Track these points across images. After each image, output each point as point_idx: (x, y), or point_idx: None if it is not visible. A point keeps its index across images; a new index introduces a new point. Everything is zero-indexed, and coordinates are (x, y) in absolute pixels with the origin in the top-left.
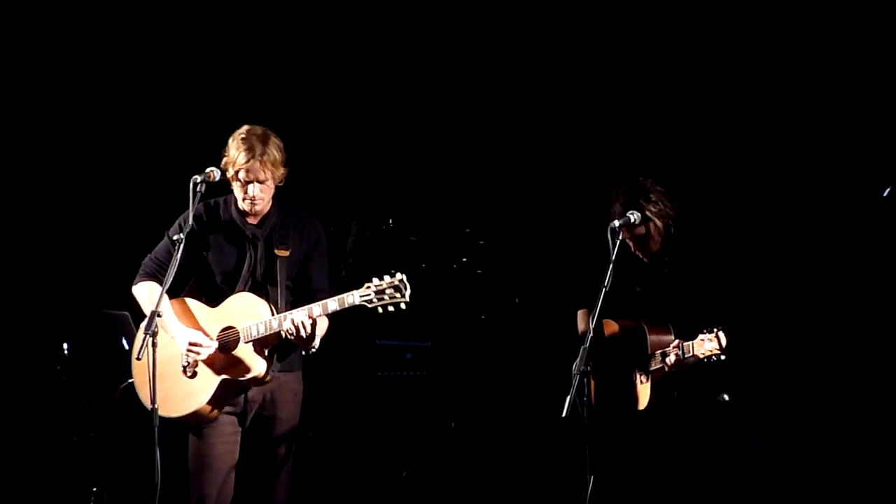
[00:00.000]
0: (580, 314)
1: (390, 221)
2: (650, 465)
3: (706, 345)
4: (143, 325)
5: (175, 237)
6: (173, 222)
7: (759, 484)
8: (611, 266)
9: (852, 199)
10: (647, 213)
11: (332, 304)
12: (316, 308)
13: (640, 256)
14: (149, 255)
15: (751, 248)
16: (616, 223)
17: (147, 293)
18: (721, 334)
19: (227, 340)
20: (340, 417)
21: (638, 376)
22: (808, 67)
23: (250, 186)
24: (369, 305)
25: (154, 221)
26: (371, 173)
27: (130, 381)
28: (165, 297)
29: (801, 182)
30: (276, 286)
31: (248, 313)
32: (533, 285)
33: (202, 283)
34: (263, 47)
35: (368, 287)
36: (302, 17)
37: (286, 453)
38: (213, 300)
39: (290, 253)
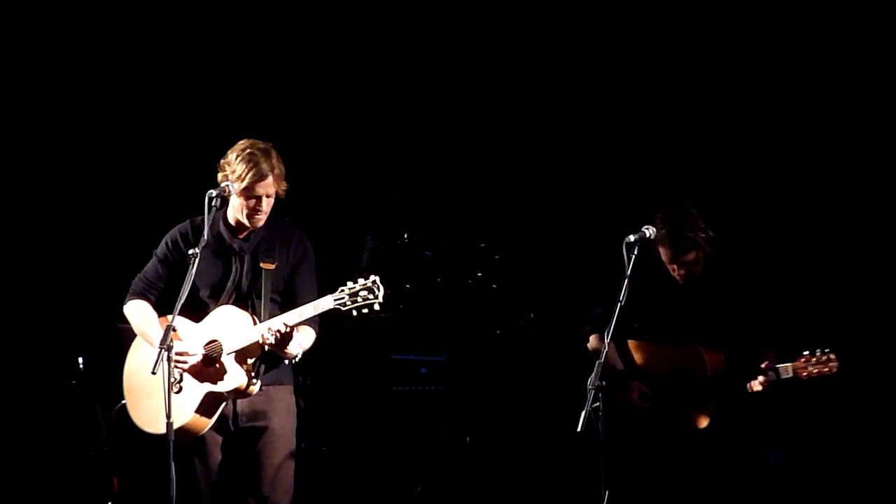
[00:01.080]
0: (594, 339)
1: (405, 236)
2: (681, 480)
3: (814, 367)
4: (134, 343)
5: (191, 252)
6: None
7: (774, 500)
8: (626, 281)
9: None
10: (698, 239)
11: (308, 310)
12: (291, 316)
13: (676, 278)
14: (138, 275)
15: (787, 263)
16: (631, 238)
17: (137, 311)
18: (833, 355)
19: (211, 353)
20: (355, 432)
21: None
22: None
23: (262, 201)
24: (343, 309)
25: (164, 233)
26: (386, 188)
27: (123, 402)
28: (150, 314)
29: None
30: (261, 300)
31: (231, 326)
32: (548, 300)
33: (189, 297)
34: (277, 61)
35: (342, 290)
36: (320, 30)
37: (287, 464)
38: (198, 314)
39: (276, 266)
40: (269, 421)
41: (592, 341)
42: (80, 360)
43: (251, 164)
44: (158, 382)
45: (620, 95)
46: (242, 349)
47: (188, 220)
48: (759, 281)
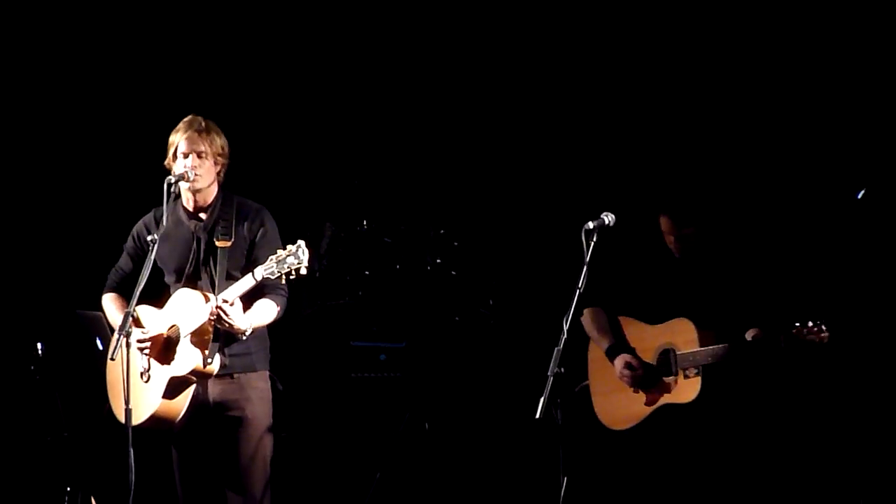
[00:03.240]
0: (587, 311)
1: (364, 223)
2: (668, 458)
3: (805, 337)
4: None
5: (149, 238)
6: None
7: (763, 481)
8: (585, 268)
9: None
10: (703, 221)
11: (244, 283)
12: (228, 292)
13: (673, 251)
14: (112, 269)
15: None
16: (590, 224)
17: (110, 304)
18: (825, 326)
19: (171, 338)
20: (314, 419)
21: (682, 371)
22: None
23: (192, 158)
24: (273, 277)
25: (129, 222)
26: (345, 175)
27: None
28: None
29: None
30: (221, 277)
31: (187, 308)
32: (507, 287)
33: (154, 286)
34: (237, 47)
35: (271, 259)
36: (282, 16)
37: (260, 451)
38: (161, 301)
39: (233, 243)
40: (243, 410)
41: (585, 315)
42: (39, 345)
43: (179, 128)
44: (130, 373)
45: (581, 80)
46: (197, 329)
47: (152, 211)
48: (755, 259)
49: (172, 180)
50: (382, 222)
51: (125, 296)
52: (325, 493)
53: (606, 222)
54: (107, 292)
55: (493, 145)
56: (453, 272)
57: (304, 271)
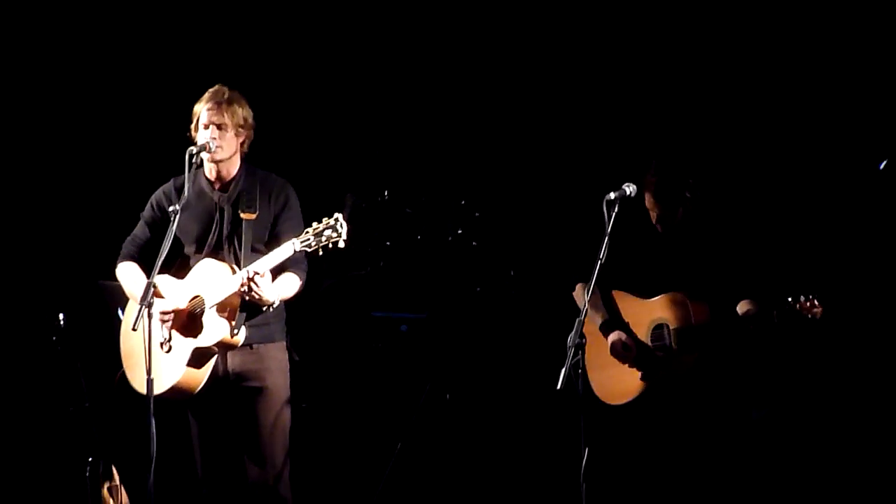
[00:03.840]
0: (579, 287)
1: (386, 193)
2: (664, 432)
3: (801, 312)
4: (127, 306)
5: (171, 208)
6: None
7: (758, 457)
8: (606, 238)
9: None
10: (685, 197)
11: (277, 254)
12: (260, 263)
13: (655, 226)
14: (128, 238)
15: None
16: (612, 195)
17: (126, 273)
18: (818, 300)
19: (195, 308)
20: (335, 389)
21: (676, 346)
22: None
23: (214, 130)
24: (310, 249)
25: (150, 192)
26: (367, 145)
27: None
28: (138, 275)
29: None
30: (245, 249)
31: (211, 278)
32: (528, 258)
33: (172, 255)
34: (259, 21)
35: (307, 231)
36: None
37: (280, 422)
38: (185, 271)
39: (258, 216)
40: (263, 381)
41: (577, 290)
42: (61, 316)
43: (202, 99)
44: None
45: (601, 52)
46: (223, 300)
47: (171, 180)
48: (740, 226)
49: (194, 150)
50: (404, 193)
51: (142, 265)
52: (345, 463)
53: (628, 193)
54: (122, 261)
55: (515, 115)
56: (474, 243)
57: (342, 244)
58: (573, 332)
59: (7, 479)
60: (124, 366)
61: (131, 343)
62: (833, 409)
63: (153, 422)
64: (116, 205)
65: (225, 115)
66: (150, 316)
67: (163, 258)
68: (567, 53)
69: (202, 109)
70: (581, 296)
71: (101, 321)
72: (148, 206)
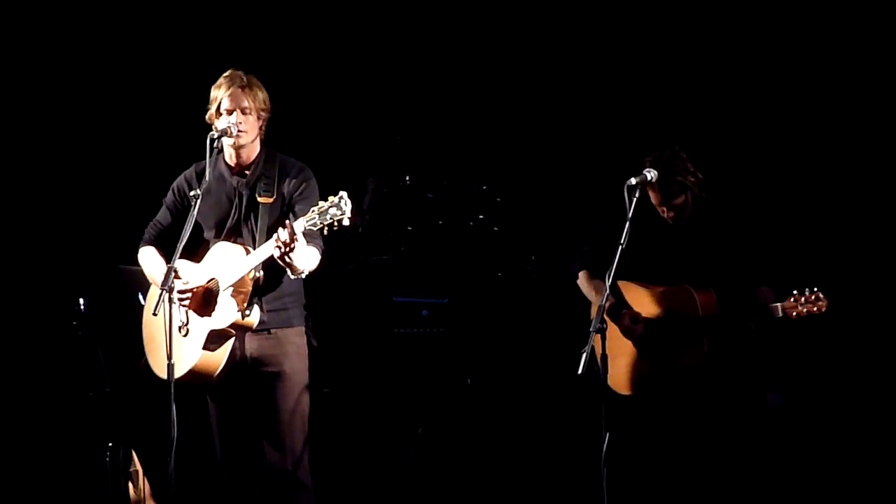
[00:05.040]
0: (583, 276)
1: (407, 178)
2: (678, 421)
3: (803, 307)
4: (150, 291)
5: (192, 193)
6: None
7: (774, 442)
8: (627, 224)
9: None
10: (688, 183)
11: (282, 232)
12: (284, 231)
13: (666, 219)
14: (150, 223)
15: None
16: (633, 180)
17: (147, 258)
18: (822, 294)
19: (210, 291)
20: (357, 374)
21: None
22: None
23: (237, 115)
24: (314, 228)
25: (171, 177)
26: (388, 130)
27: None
28: (158, 261)
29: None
30: (262, 233)
31: (226, 261)
32: (549, 242)
33: (192, 241)
34: (278, 3)
35: (312, 211)
36: None
37: (299, 407)
38: (202, 256)
39: (274, 200)
40: (281, 366)
41: (582, 278)
42: (82, 301)
43: (222, 84)
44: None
45: (621, 36)
46: (237, 282)
47: (193, 165)
48: (749, 219)
49: (215, 136)
50: (425, 178)
51: (162, 249)
52: (367, 448)
53: (649, 178)
54: (143, 246)
55: (536, 101)
56: (496, 228)
57: (346, 222)
58: (595, 318)
59: (28, 463)
60: (146, 351)
61: (152, 328)
62: (846, 398)
63: (174, 407)
64: (137, 190)
65: (247, 99)
66: (170, 301)
67: (183, 243)
68: (591, 38)
69: (223, 95)
70: (586, 284)
71: (122, 306)
72: (170, 191)
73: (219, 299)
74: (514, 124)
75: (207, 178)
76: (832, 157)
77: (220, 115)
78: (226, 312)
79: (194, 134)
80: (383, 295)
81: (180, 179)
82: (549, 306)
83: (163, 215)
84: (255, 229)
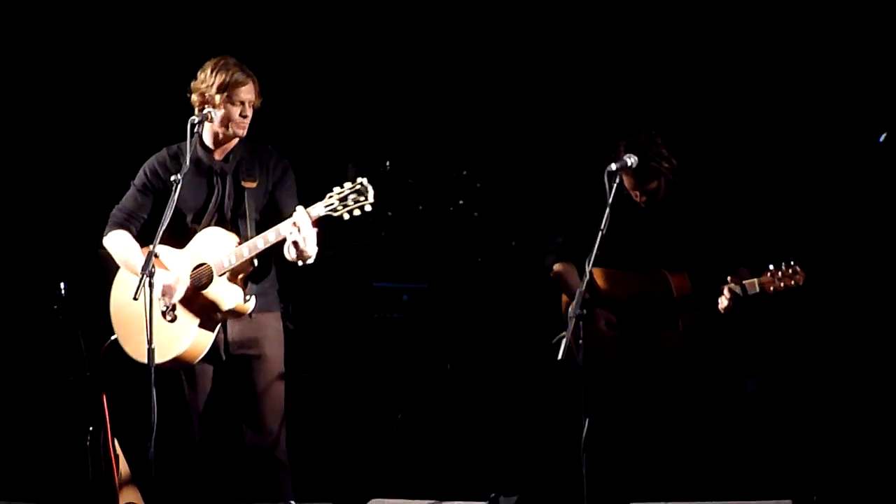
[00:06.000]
0: (558, 267)
1: (387, 164)
2: (649, 406)
3: (780, 281)
4: (117, 275)
5: (172, 178)
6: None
7: (753, 427)
8: (608, 210)
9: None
10: (662, 168)
11: (313, 211)
12: (303, 216)
13: (639, 203)
14: (116, 207)
15: (751, 188)
16: (613, 166)
17: (118, 242)
18: (799, 267)
19: (201, 277)
20: (336, 359)
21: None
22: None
23: (246, 107)
24: (335, 214)
25: (143, 160)
26: (368, 116)
27: (114, 337)
28: (133, 245)
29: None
30: (245, 219)
31: (217, 247)
32: (529, 228)
33: (172, 224)
34: None
35: (331, 196)
36: None
37: (279, 390)
38: (182, 240)
39: (258, 184)
40: (261, 349)
41: (557, 268)
42: (62, 285)
43: (231, 72)
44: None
45: (600, 24)
46: (234, 269)
47: (164, 149)
48: (721, 201)
49: (196, 120)
50: (405, 163)
51: (134, 234)
52: (346, 433)
53: (629, 164)
54: (112, 230)
55: (516, 86)
56: (476, 213)
57: (368, 209)
58: (573, 304)
59: (8, 448)
60: (119, 335)
61: (126, 312)
62: (828, 376)
63: (154, 392)
64: (117, 175)
65: (255, 93)
66: (151, 286)
67: (164, 227)
68: (569, 19)
69: (236, 84)
70: (563, 272)
71: (102, 290)
72: (141, 174)
73: (214, 286)
74: (495, 110)
75: (188, 163)
76: (804, 138)
77: (225, 101)
78: (225, 299)
79: (169, 117)
80: (363, 280)
81: (152, 162)
82: (528, 292)
83: (132, 199)
84: (241, 214)
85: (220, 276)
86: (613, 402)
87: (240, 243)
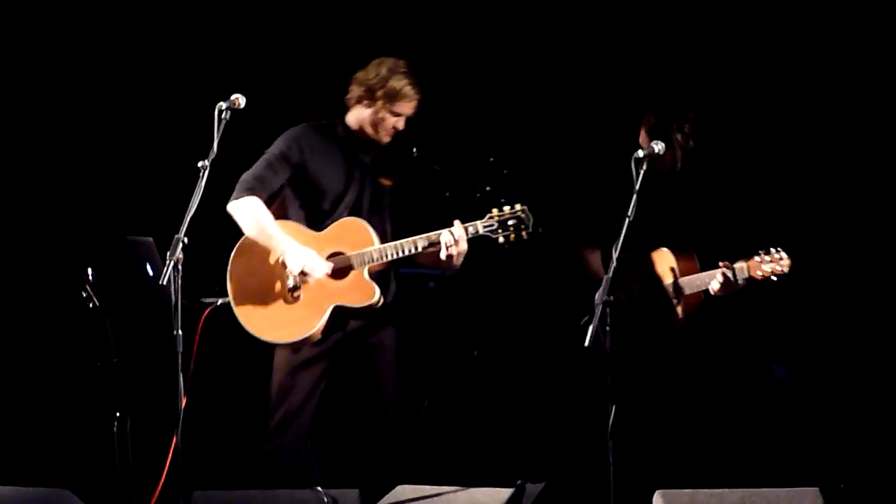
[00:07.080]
0: (586, 251)
1: (414, 150)
2: (675, 394)
3: (766, 266)
4: (246, 242)
5: (200, 164)
6: (199, 149)
7: (781, 415)
8: (634, 196)
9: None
10: (672, 136)
11: (469, 229)
12: (460, 231)
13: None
14: (247, 173)
15: (769, 168)
16: (640, 153)
17: (252, 208)
18: (785, 254)
19: (339, 266)
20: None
21: (673, 302)
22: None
23: (401, 120)
24: (492, 236)
25: (178, 147)
26: None
27: (224, 300)
28: (269, 213)
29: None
30: (380, 215)
31: (357, 239)
32: (557, 214)
33: (305, 205)
34: None
35: (491, 217)
36: None
37: (394, 377)
38: (316, 224)
39: (393, 184)
40: (384, 338)
41: (584, 253)
42: (90, 271)
43: (412, 84)
44: (276, 289)
45: (631, 8)
46: (376, 265)
47: (303, 125)
48: (728, 187)
49: (224, 106)
50: (432, 149)
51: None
52: (374, 420)
53: (657, 150)
54: (245, 195)
55: (543, 71)
56: (502, 200)
57: (525, 237)
58: (601, 290)
59: (35, 434)
60: (234, 301)
61: (250, 282)
62: (856, 365)
63: (181, 377)
64: (145, 160)
65: (415, 109)
66: (176, 271)
67: (192, 213)
68: (597, 12)
69: (406, 99)
70: (589, 258)
71: (130, 276)
72: (283, 146)
73: (353, 279)
74: (522, 95)
75: (215, 150)
76: (815, 127)
77: (386, 107)
78: (364, 294)
79: (201, 104)
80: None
81: (292, 134)
82: (556, 278)
83: (266, 167)
84: (381, 210)
85: (360, 268)
86: (640, 389)
87: (377, 240)
